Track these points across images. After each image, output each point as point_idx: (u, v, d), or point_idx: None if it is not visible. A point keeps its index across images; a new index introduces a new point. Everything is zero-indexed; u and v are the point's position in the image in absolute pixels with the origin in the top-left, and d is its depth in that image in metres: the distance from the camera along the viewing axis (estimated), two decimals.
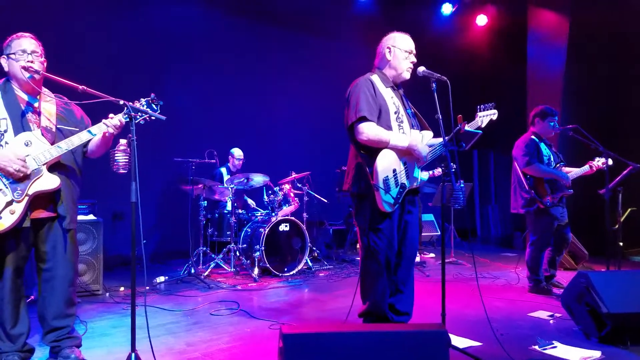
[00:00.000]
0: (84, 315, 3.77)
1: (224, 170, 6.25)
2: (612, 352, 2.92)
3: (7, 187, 2.40)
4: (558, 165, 4.40)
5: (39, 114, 2.62)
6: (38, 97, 2.68)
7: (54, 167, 2.58)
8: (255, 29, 7.37)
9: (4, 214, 2.38)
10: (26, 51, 2.59)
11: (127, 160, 2.58)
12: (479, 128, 3.15)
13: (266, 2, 7.26)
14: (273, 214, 5.57)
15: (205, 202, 5.51)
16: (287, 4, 7.25)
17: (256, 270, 5.17)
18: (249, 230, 5.53)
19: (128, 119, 2.50)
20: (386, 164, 2.91)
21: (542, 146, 4.42)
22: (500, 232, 9.55)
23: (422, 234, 7.87)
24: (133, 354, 2.41)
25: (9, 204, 2.40)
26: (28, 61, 2.57)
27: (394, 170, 2.94)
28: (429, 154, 3.02)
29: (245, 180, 5.54)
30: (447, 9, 8.59)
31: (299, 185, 6.02)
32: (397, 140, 2.92)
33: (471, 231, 10.02)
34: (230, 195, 5.49)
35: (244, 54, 7.24)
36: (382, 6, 8.29)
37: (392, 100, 3.04)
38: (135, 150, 2.44)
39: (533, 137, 4.47)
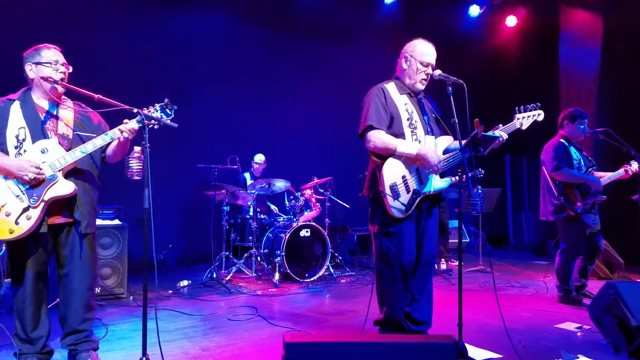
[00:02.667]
0: (107, 318, 3.84)
1: (247, 175, 6.30)
2: None
3: (24, 194, 2.47)
4: (589, 169, 4.21)
5: (57, 121, 2.69)
6: (58, 105, 2.75)
7: (71, 172, 2.65)
8: (277, 37, 7.42)
9: (20, 219, 2.45)
10: (58, 62, 2.68)
11: (141, 167, 2.62)
12: (518, 130, 3.07)
13: (287, 11, 7.31)
14: (294, 219, 5.56)
15: (228, 207, 5.55)
16: (308, 11, 7.29)
17: (277, 276, 5.16)
18: (271, 235, 5.54)
19: (141, 126, 2.54)
20: (393, 171, 2.89)
21: (572, 150, 4.24)
22: (534, 239, 9.23)
23: (450, 240, 7.70)
24: (144, 358, 2.43)
25: (26, 209, 2.47)
26: (61, 72, 2.66)
27: (404, 177, 2.91)
28: (443, 161, 2.94)
29: (267, 186, 5.56)
30: (474, 10, 8.42)
31: (321, 190, 5.99)
32: (405, 148, 2.89)
33: (503, 238, 9.74)
34: (252, 201, 5.51)
35: (267, 61, 7.30)
36: (406, 10, 8.20)
37: (405, 107, 3.01)
38: (148, 157, 2.47)
39: (562, 140, 4.30)
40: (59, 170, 2.56)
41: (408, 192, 2.90)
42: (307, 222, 5.42)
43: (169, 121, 2.58)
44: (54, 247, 2.72)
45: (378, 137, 2.90)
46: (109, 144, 2.84)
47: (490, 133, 2.91)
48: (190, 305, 4.31)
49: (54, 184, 2.54)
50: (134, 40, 6.24)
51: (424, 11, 8.16)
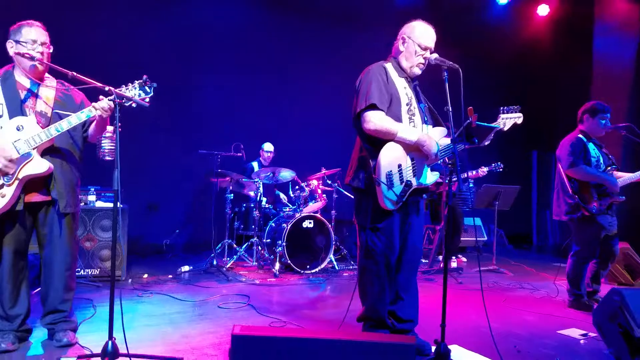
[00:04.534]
0: (98, 300, 3.84)
1: (255, 164, 6.23)
2: None
3: None
4: (608, 168, 3.91)
5: (36, 99, 2.66)
6: (39, 84, 2.72)
7: (48, 151, 2.61)
8: (288, 24, 7.27)
9: None
10: (36, 41, 2.62)
11: (113, 147, 2.55)
12: (500, 131, 2.88)
13: None
14: (299, 209, 5.45)
15: (232, 195, 5.49)
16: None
17: (277, 266, 5.08)
18: (274, 224, 5.45)
19: (113, 104, 2.47)
20: (391, 157, 2.69)
21: (591, 146, 3.96)
22: (558, 240, 8.83)
23: (465, 238, 7.44)
24: (110, 342, 2.38)
25: (0, 187, 2.44)
26: (38, 51, 2.61)
27: (399, 166, 2.71)
28: (440, 152, 2.75)
29: (272, 175, 5.46)
30: None
31: (329, 182, 5.85)
32: (406, 133, 2.68)
33: (526, 238, 9.36)
34: (255, 189, 5.44)
35: (278, 47, 7.16)
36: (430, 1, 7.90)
37: (404, 90, 2.81)
38: (119, 137, 2.40)
39: (580, 136, 4.02)
40: (33, 148, 2.52)
41: (401, 182, 2.71)
42: (311, 214, 5.30)
43: (144, 100, 2.50)
44: (33, 225, 2.70)
45: (379, 119, 2.66)
46: (90, 122, 2.80)
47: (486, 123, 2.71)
48: (185, 291, 4.28)
49: (28, 161, 2.51)
50: (145, 23, 6.23)
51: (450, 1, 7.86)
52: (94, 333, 3.07)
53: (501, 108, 2.86)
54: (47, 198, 2.63)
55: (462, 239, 7.26)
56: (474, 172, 6.03)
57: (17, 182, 2.47)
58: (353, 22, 7.48)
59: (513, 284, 5.07)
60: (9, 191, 2.45)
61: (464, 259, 6.65)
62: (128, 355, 2.34)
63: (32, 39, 2.62)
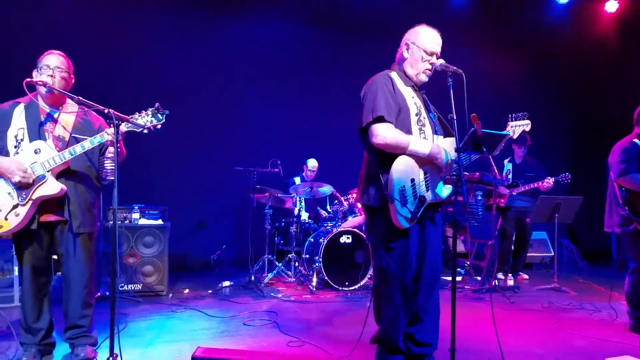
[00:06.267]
0: (134, 315, 3.98)
1: (297, 179, 6.22)
2: None
3: (14, 191, 2.62)
4: None
5: (55, 124, 2.82)
6: (60, 108, 2.88)
7: (63, 173, 2.74)
8: (329, 39, 7.23)
9: (10, 215, 2.60)
10: (50, 66, 2.79)
11: (113, 167, 2.63)
12: (510, 139, 2.67)
13: (340, 11, 7.09)
14: (338, 224, 5.35)
15: (271, 210, 5.50)
16: (364, 10, 7.00)
17: (314, 282, 5.00)
18: (312, 240, 5.39)
19: (131, 128, 2.58)
20: (404, 172, 2.51)
21: None
22: None
23: (532, 254, 6.89)
24: (111, 358, 2.43)
25: (15, 207, 2.61)
26: (48, 75, 2.77)
27: (412, 180, 2.54)
28: (454, 163, 2.55)
29: (310, 189, 5.41)
30: None
31: None
32: (418, 146, 2.51)
33: (605, 254, 8.49)
34: (292, 205, 5.42)
35: (315, 64, 7.10)
36: (479, 4, 7.52)
37: (413, 100, 2.64)
38: (117, 157, 2.48)
39: (636, 140, 3.59)
40: (48, 171, 2.67)
41: (415, 198, 2.54)
42: (349, 229, 5.17)
43: (141, 124, 2.58)
44: (50, 244, 2.85)
45: (388, 131, 2.50)
46: (107, 147, 2.92)
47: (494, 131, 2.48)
48: (219, 306, 4.32)
49: (42, 183, 2.66)
50: (187, 46, 6.51)
51: (500, 1, 7.45)
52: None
53: (509, 115, 2.68)
54: (61, 218, 2.77)
55: (528, 254, 6.75)
56: (538, 184, 5.57)
57: (30, 202, 2.62)
58: (395, 35, 7.28)
59: (573, 304, 4.60)
60: (23, 210, 2.61)
61: (526, 276, 6.14)
62: None
63: (47, 64, 2.78)
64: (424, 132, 2.62)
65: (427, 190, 2.59)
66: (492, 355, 3.05)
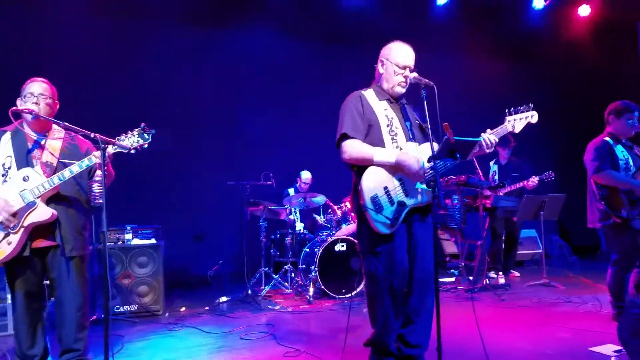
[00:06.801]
0: (130, 335, 4.01)
1: (291, 190, 6.29)
2: None
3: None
4: None
5: (43, 150, 2.87)
6: (47, 134, 2.94)
7: (53, 199, 2.80)
8: (321, 51, 7.33)
9: (2, 244, 2.66)
10: (34, 94, 2.86)
11: (101, 190, 2.68)
12: (511, 133, 2.78)
13: (332, 23, 7.21)
14: (333, 233, 5.41)
15: (266, 222, 5.55)
16: (357, 24, 7.11)
17: (311, 292, 5.06)
18: (308, 250, 5.45)
19: (118, 150, 2.65)
20: (374, 182, 2.66)
21: (619, 149, 3.66)
22: None
23: (522, 251, 6.96)
24: None
25: (7, 235, 2.66)
26: (33, 103, 2.84)
27: (385, 188, 2.67)
28: (428, 168, 2.63)
29: (303, 200, 5.48)
30: (538, 2, 7.63)
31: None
32: (382, 156, 2.66)
33: (596, 249, 8.59)
34: (286, 216, 5.48)
35: (306, 76, 7.17)
36: (462, 10, 7.67)
37: (384, 112, 2.80)
38: (104, 180, 2.54)
39: (607, 138, 3.73)
40: (38, 197, 2.72)
41: (392, 204, 2.66)
42: (343, 236, 5.23)
43: (125, 144, 2.67)
44: (43, 269, 2.88)
45: (353, 147, 2.71)
46: (96, 170, 2.97)
47: (465, 138, 2.58)
48: (216, 323, 4.36)
49: (33, 210, 2.71)
50: (178, 61, 6.58)
51: (481, 9, 7.61)
52: None
53: (507, 110, 2.76)
54: (53, 243, 2.82)
55: (518, 252, 6.83)
56: (523, 183, 5.69)
57: (22, 229, 2.68)
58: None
59: (561, 298, 4.72)
60: (15, 238, 2.66)
61: (517, 274, 6.21)
62: None
63: (30, 92, 2.85)
64: (397, 141, 2.75)
65: (407, 196, 2.68)
66: (479, 352, 3.09)
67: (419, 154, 2.70)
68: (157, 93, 6.30)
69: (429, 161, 2.65)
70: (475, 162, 5.23)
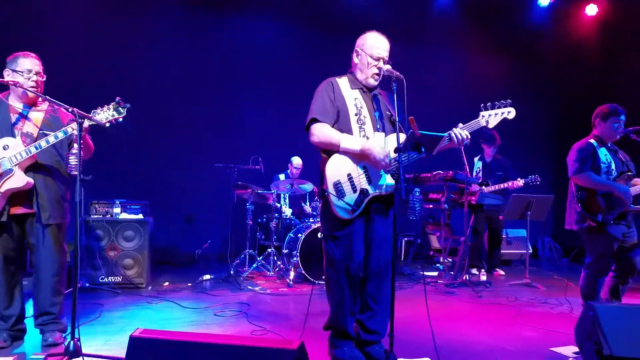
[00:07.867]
0: (110, 305, 4.14)
1: (282, 176, 6.36)
2: None
3: None
4: (622, 175, 3.56)
5: (25, 121, 2.98)
6: (31, 107, 3.04)
7: (32, 167, 2.90)
8: (314, 38, 7.35)
9: None
10: (31, 71, 2.97)
11: (77, 162, 2.78)
12: (485, 128, 2.78)
13: (324, 11, 7.24)
14: (318, 220, 5.48)
15: (253, 206, 5.65)
16: (350, 13, 7.12)
17: (292, 276, 5.15)
18: (292, 235, 5.53)
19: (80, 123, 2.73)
20: (337, 168, 2.74)
21: (602, 152, 3.64)
22: None
23: (510, 251, 7.00)
24: (72, 342, 2.57)
25: None
26: (32, 80, 2.95)
27: (349, 175, 2.74)
28: (394, 159, 2.69)
29: (290, 186, 5.56)
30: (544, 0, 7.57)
31: None
32: (349, 143, 2.72)
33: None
34: (273, 201, 5.57)
35: (301, 62, 7.19)
36: (463, 5, 7.63)
37: (354, 101, 2.85)
38: (80, 153, 2.64)
39: (592, 141, 3.72)
40: (15, 165, 2.82)
41: (355, 191, 2.73)
42: None
43: (117, 120, 2.82)
44: (22, 236, 3.00)
45: (321, 131, 2.77)
46: (74, 141, 3.07)
47: (430, 132, 2.61)
48: (195, 299, 4.47)
49: (9, 177, 2.81)
50: (171, 44, 6.66)
51: (484, 4, 7.56)
52: (85, 335, 3.32)
53: (482, 105, 2.74)
54: (30, 210, 2.93)
55: (506, 251, 6.87)
56: (508, 184, 5.71)
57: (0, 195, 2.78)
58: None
59: (538, 299, 4.73)
60: None
61: (502, 272, 6.25)
62: (81, 354, 2.52)
63: (27, 68, 2.96)
64: (364, 130, 2.80)
65: (370, 184, 2.74)
66: (432, 343, 3.16)
67: (386, 145, 2.76)
68: (149, 73, 6.37)
69: (395, 152, 2.71)
70: (464, 159, 5.25)
